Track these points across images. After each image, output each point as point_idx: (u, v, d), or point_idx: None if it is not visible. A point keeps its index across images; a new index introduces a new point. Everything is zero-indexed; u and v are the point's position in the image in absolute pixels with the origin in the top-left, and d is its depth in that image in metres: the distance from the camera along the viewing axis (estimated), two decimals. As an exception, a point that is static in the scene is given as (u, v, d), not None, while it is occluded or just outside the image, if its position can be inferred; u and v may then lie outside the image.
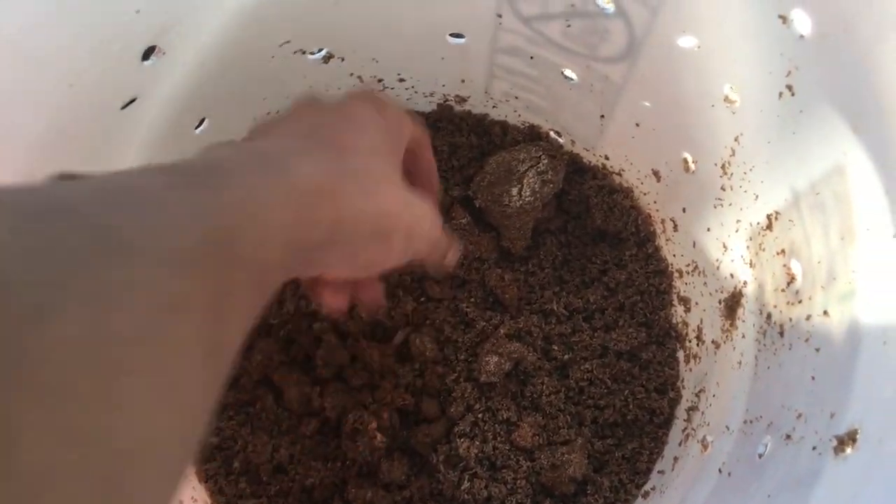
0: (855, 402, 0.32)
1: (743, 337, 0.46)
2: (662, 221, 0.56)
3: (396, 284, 0.58)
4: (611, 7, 0.43)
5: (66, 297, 0.17)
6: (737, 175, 0.44)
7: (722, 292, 0.49)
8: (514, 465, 0.52)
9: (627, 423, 0.55)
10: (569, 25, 0.47)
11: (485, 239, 0.60)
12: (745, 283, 0.46)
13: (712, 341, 0.50)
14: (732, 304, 0.47)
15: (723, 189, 0.46)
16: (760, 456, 0.39)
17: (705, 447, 0.47)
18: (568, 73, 0.52)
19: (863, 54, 0.31)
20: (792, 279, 0.40)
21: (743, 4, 0.36)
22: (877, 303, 0.32)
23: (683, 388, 0.54)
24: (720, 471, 0.43)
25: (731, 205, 0.46)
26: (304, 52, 0.51)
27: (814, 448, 0.33)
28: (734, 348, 0.47)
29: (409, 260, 0.36)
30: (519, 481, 0.52)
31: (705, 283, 0.52)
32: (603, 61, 0.48)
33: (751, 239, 0.44)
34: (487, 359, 0.55)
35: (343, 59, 0.54)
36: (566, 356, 0.56)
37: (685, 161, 0.49)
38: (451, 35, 0.53)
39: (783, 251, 0.41)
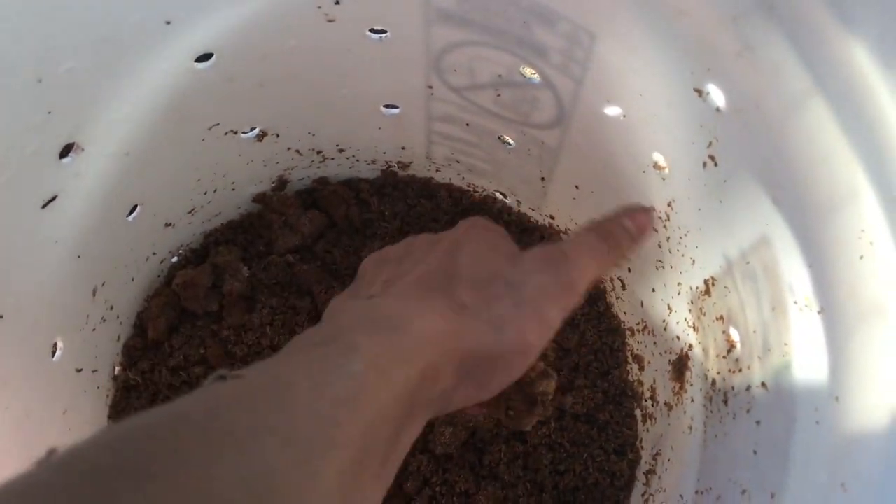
0: (793, 484, 0.31)
1: (692, 401, 0.45)
2: (611, 280, 0.55)
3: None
4: (536, 77, 0.43)
5: None
6: (673, 239, 0.44)
7: (671, 353, 0.48)
8: (473, 541, 0.51)
9: (588, 488, 0.53)
10: (499, 94, 0.47)
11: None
12: (690, 346, 0.45)
13: (665, 403, 0.50)
14: (680, 366, 0.47)
15: (662, 251, 0.46)
16: (712, 531, 0.38)
17: (663, 515, 0.46)
18: (505, 137, 0.52)
19: (774, 129, 0.31)
20: (732, 346, 0.40)
21: (661, 78, 0.36)
22: (809, 379, 0.32)
23: (642, 448, 0.53)
24: (676, 543, 0.42)
25: (671, 267, 0.45)
26: (235, 133, 0.50)
27: (758, 530, 0.33)
28: (685, 412, 0.46)
29: None
30: (479, 557, 0.50)
31: (655, 343, 0.51)
32: (536, 127, 0.48)
33: (692, 302, 0.44)
34: (442, 429, 0.53)
35: (278, 136, 0.53)
36: (523, 422, 0.55)
37: (625, 222, 0.49)
38: (386, 106, 0.53)
39: (722, 317, 0.40)
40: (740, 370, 0.38)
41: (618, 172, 0.45)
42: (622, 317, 0.56)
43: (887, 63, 0.24)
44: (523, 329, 0.32)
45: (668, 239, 0.44)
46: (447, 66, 0.46)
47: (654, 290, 0.49)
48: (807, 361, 0.32)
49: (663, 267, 0.46)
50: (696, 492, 0.42)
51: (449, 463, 0.54)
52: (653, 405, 0.52)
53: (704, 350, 0.43)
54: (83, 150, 0.41)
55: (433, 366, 0.29)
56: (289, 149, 0.55)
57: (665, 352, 0.49)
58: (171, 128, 0.45)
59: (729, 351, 0.40)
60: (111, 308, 0.51)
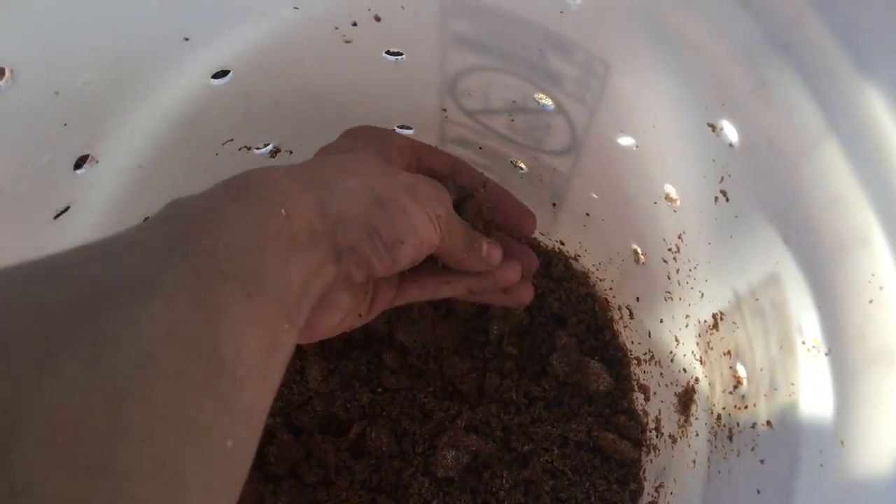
0: (796, 528, 0.31)
1: (696, 435, 0.45)
2: (619, 308, 0.55)
3: (352, 375, 0.57)
4: (550, 105, 0.43)
5: (61, 348, 0.19)
6: (683, 271, 0.43)
7: (677, 385, 0.48)
8: (471, 567, 0.51)
9: (589, 518, 0.53)
10: (512, 120, 0.47)
11: (444, 326, 0.59)
12: (696, 379, 0.45)
13: (669, 435, 0.49)
14: (686, 399, 0.46)
15: (671, 283, 0.45)
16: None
17: (664, 549, 0.46)
18: (518, 162, 0.52)
19: (787, 168, 0.31)
20: (738, 382, 0.39)
21: (675, 110, 0.36)
22: (815, 421, 0.31)
23: (645, 479, 0.53)
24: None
25: (680, 299, 0.45)
26: (249, 148, 0.51)
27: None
28: (689, 445, 0.46)
29: (433, 248, 0.36)
30: (476, 584, 0.50)
31: (661, 374, 0.51)
32: (549, 154, 0.48)
33: (699, 336, 0.44)
34: (444, 453, 0.53)
35: (291, 152, 0.53)
36: (526, 447, 0.54)
37: (635, 252, 0.49)
38: (400, 126, 0.53)
39: (729, 352, 0.40)
40: (746, 407, 0.38)
41: (629, 202, 0.45)
42: (629, 345, 0.56)
43: (902, 108, 0.24)
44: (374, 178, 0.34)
45: (677, 271, 0.44)
46: (462, 90, 0.46)
47: (661, 321, 0.49)
48: (813, 403, 0.31)
49: (672, 298, 0.46)
50: (698, 528, 0.41)
51: (450, 486, 0.54)
52: (657, 436, 0.52)
53: (711, 384, 0.43)
54: (97, 161, 0.41)
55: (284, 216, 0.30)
56: (302, 165, 0.55)
57: (671, 383, 0.49)
58: (185, 142, 0.45)
59: (735, 387, 0.39)
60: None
